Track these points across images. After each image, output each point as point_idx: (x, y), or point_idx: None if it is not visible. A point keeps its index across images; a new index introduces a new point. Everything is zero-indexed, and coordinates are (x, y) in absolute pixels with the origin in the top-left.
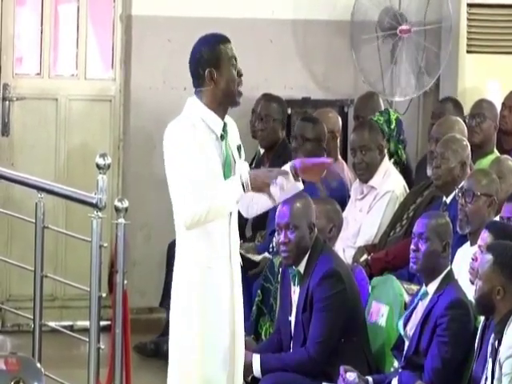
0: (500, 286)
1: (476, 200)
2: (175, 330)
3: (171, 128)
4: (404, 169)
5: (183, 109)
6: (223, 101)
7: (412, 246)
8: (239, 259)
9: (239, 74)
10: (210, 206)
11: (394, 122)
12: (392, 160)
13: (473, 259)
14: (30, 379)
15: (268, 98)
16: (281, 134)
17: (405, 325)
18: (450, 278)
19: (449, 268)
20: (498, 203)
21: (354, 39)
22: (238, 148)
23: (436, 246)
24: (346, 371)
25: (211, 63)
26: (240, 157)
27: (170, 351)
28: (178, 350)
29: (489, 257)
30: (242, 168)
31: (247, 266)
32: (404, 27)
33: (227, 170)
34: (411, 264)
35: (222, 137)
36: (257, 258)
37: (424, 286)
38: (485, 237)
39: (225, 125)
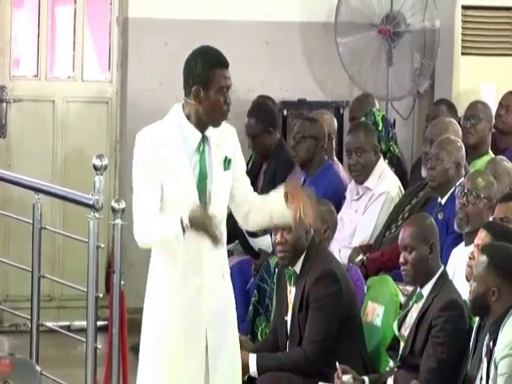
0: (495, 287)
1: (479, 202)
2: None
3: (139, 136)
4: (398, 164)
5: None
6: (203, 119)
7: (401, 260)
8: (218, 270)
9: (226, 103)
10: (151, 233)
11: (380, 122)
12: (386, 160)
13: (470, 258)
14: (20, 381)
15: (251, 107)
16: (270, 139)
17: (399, 326)
18: (444, 279)
19: (442, 269)
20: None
21: (348, 41)
22: (225, 160)
23: (422, 251)
24: (343, 372)
25: (201, 81)
26: (226, 169)
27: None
28: (146, 359)
29: (483, 258)
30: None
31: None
32: (383, 27)
33: (201, 182)
34: (404, 277)
35: (199, 149)
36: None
37: (419, 288)
38: (482, 236)
39: (204, 138)
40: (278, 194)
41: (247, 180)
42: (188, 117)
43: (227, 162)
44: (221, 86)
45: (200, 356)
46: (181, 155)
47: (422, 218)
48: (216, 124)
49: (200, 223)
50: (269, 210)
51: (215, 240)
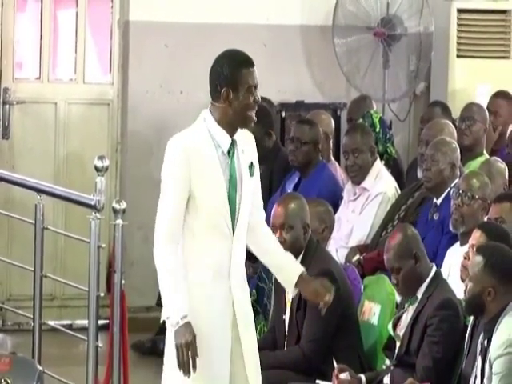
0: (491, 288)
1: (474, 202)
2: (168, 341)
3: (170, 144)
4: (394, 165)
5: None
6: (233, 121)
7: (392, 281)
8: (242, 276)
9: (255, 101)
10: (160, 274)
11: (378, 124)
12: (383, 161)
13: (465, 258)
14: (18, 379)
15: None
16: (269, 142)
17: (394, 326)
18: (437, 279)
19: (434, 270)
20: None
21: (346, 43)
22: (250, 166)
23: (408, 266)
24: (341, 371)
25: (229, 83)
26: (252, 175)
27: (164, 360)
28: (170, 361)
29: (479, 259)
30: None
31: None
32: (379, 30)
33: (232, 187)
34: (398, 293)
35: (229, 153)
36: None
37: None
38: (477, 236)
39: (233, 142)
40: (293, 266)
41: (260, 201)
42: (217, 121)
43: (252, 168)
44: (249, 85)
45: (225, 357)
46: (213, 160)
47: (397, 234)
48: (246, 124)
49: (179, 342)
50: (278, 264)
51: (183, 368)
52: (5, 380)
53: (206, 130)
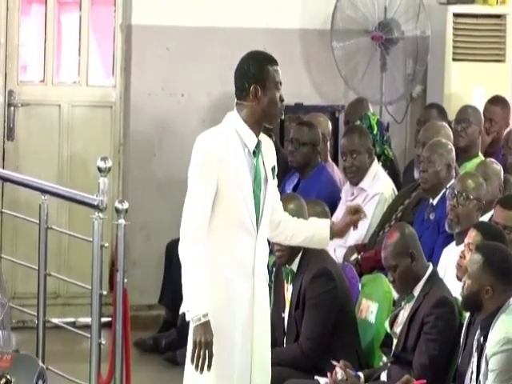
0: (489, 286)
1: (469, 203)
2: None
3: (198, 141)
4: (391, 166)
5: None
6: (261, 119)
7: (389, 278)
8: (265, 275)
9: (281, 99)
10: (184, 267)
11: (375, 126)
12: (380, 162)
13: (460, 256)
14: (19, 377)
15: None
16: None
17: (392, 324)
18: (434, 278)
19: (431, 269)
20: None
21: (344, 47)
22: (273, 169)
23: (405, 264)
24: (344, 367)
25: (257, 80)
26: (273, 178)
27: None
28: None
29: (478, 257)
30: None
31: None
32: (377, 34)
33: (257, 186)
34: (395, 291)
35: (255, 153)
36: None
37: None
38: (473, 235)
39: (259, 142)
40: (319, 222)
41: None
42: (245, 120)
43: (274, 170)
44: (276, 81)
45: (244, 355)
46: (240, 159)
47: (395, 233)
48: (272, 121)
49: (198, 340)
50: (307, 229)
51: (196, 363)
52: (5, 377)
53: (234, 129)
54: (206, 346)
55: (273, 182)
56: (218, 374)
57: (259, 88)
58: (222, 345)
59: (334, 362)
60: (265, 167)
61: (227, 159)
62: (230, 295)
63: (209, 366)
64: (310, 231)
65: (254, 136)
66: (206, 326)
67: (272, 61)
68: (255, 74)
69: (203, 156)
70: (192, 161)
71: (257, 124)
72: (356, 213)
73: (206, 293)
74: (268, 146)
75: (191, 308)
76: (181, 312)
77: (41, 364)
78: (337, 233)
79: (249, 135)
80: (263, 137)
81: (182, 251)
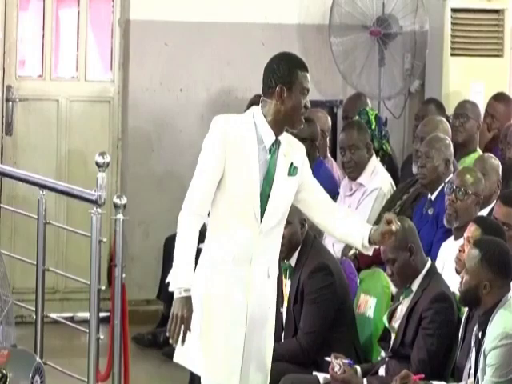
0: (487, 281)
1: (467, 198)
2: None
3: (215, 120)
4: (389, 161)
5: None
6: (282, 120)
7: (388, 272)
8: (267, 266)
9: (306, 106)
10: (178, 236)
11: (374, 121)
12: (378, 157)
13: (460, 250)
14: (14, 371)
15: (248, 107)
16: None
17: (390, 318)
18: (432, 273)
19: (429, 264)
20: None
21: (342, 42)
22: (291, 166)
23: (403, 258)
24: (336, 358)
25: (285, 81)
26: (290, 174)
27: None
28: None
29: (476, 252)
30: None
31: None
32: (375, 29)
33: (267, 181)
34: (393, 285)
35: (270, 150)
36: None
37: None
38: (472, 229)
39: (276, 141)
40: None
41: (318, 186)
42: (265, 116)
43: (292, 168)
44: (303, 87)
45: (237, 346)
46: (251, 149)
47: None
48: (294, 126)
49: (175, 312)
50: (345, 234)
51: (172, 338)
52: (1, 372)
53: (253, 121)
54: (181, 320)
55: (287, 180)
56: (206, 355)
57: (285, 89)
58: (213, 327)
59: (327, 358)
60: (278, 165)
61: (238, 146)
62: (224, 281)
63: (182, 341)
64: (348, 235)
65: (271, 133)
66: (185, 301)
67: (302, 66)
68: (283, 74)
69: (215, 136)
70: (205, 138)
71: (276, 123)
72: (390, 223)
73: (190, 268)
74: (295, 149)
75: (174, 280)
76: (166, 281)
77: (38, 359)
78: (375, 241)
79: (267, 131)
80: (293, 142)
81: (180, 221)
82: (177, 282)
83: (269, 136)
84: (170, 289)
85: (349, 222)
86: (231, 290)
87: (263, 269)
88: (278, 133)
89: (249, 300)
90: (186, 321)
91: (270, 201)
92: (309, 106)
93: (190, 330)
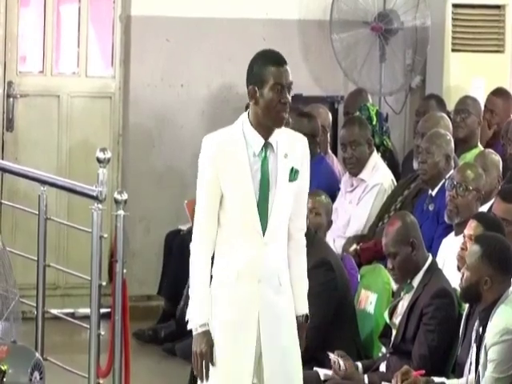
0: (488, 277)
1: (468, 194)
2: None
3: (203, 142)
4: (390, 157)
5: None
6: (263, 121)
7: (388, 266)
8: (278, 281)
9: (282, 102)
10: (191, 271)
11: (374, 117)
12: (379, 153)
13: (462, 248)
14: (13, 367)
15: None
16: None
17: (391, 314)
18: (433, 269)
19: (430, 260)
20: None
21: (343, 38)
22: (291, 170)
23: (405, 253)
24: (340, 356)
25: (256, 80)
26: (292, 179)
27: None
28: None
29: (477, 248)
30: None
31: None
32: (376, 25)
33: (262, 190)
34: (394, 280)
35: (260, 156)
36: None
37: (409, 280)
38: (473, 226)
39: (266, 144)
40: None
41: (303, 211)
42: (251, 122)
43: (293, 173)
44: (275, 83)
45: (248, 358)
46: (242, 160)
47: (396, 221)
48: (274, 124)
49: (194, 350)
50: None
51: (198, 376)
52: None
53: (241, 130)
54: (201, 356)
55: (290, 185)
56: (217, 373)
57: (257, 89)
58: (224, 344)
59: (329, 353)
60: (278, 169)
61: (228, 160)
62: (229, 298)
63: (207, 377)
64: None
65: (259, 138)
66: (203, 336)
67: (275, 61)
68: (255, 73)
69: (204, 159)
70: (199, 165)
71: (259, 125)
72: None
73: (206, 301)
74: (296, 145)
75: (191, 318)
76: (186, 319)
77: (37, 355)
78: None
79: (254, 137)
80: (294, 135)
81: (192, 253)
82: (192, 319)
83: (256, 140)
84: (189, 327)
85: (296, 283)
86: (237, 312)
87: (274, 281)
88: (266, 135)
89: (260, 317)
90: (205, 356)
91: (271, 211)
92: (286, 100)
93: (212, 364)
